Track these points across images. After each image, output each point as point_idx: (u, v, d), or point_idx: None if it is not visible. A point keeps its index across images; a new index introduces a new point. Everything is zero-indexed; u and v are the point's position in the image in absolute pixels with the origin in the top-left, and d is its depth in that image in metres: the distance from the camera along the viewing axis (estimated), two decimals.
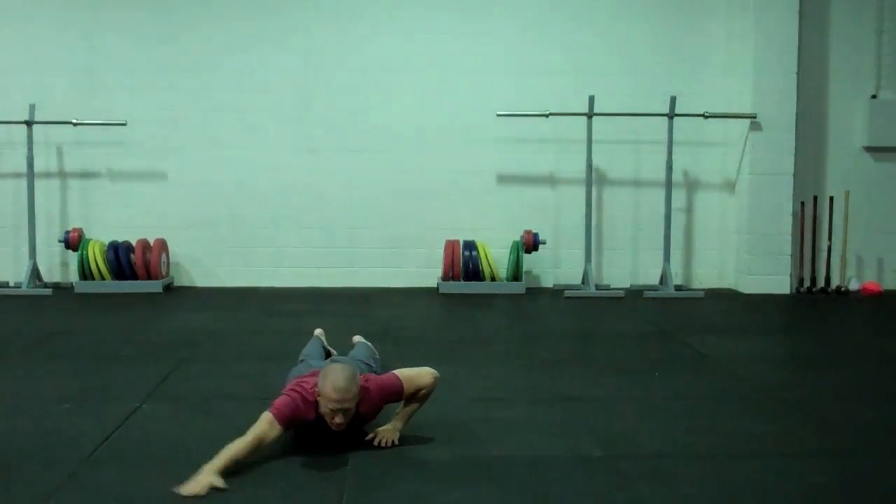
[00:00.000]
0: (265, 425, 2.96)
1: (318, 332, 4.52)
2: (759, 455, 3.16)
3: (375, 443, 3.15)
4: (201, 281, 7.57)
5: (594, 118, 7.17)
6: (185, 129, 7.47)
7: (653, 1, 7.55)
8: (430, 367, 3.29)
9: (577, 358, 4.89)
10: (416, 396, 3.22)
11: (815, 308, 6.93)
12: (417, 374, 3.22)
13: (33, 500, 2.68)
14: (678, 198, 7.54)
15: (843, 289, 7.51)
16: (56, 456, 3.08)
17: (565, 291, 7.20)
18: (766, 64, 7.26)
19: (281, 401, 3.03)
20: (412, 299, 6.94)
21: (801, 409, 3.81)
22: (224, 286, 7.47)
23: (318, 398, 2.97)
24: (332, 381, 2.92)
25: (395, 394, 3.18)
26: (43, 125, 7.24)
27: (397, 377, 3.18)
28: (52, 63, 7.37)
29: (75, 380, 4.21)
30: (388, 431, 3.20)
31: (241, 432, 3.36)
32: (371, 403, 3.12)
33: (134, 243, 7.20)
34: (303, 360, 3.80)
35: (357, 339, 4.42)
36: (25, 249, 7.19)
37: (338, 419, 2.93)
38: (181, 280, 7.57)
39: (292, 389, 3.07)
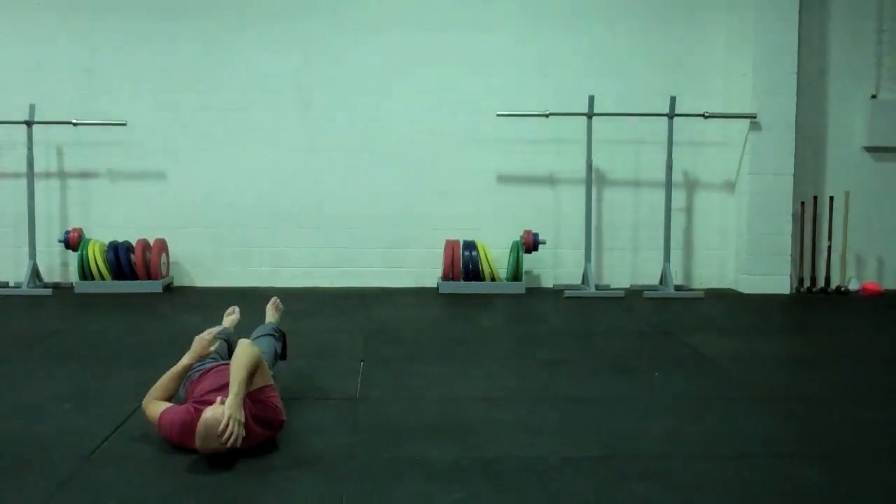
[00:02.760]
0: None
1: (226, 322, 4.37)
2: (759, 455, 3.17)
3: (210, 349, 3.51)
4: (201, 281, 7.57)
5: (594, 118, 7.17)
6: (185, 129, 7.47)
7: (653, 1, 7.55)
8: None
9: (577, 358, 4.89)
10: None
11: (815, 308, 6.93)
12: (158, 385, 3.41)
13: (34, 500, 2.68)
14: (678, 198, 7.54)
15: (843, 289, 7.51)
16: (56, 456, 3.08)
17: (565, 291, 7.20)
18: (766, 64, 7.26)
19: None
20: (412, 299, 6.94)
21: (800, 409, 3.82)
22: (224, 286, 7.46)
23: None
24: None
25: (175, 412, 3.15)
26: (43, 125, 7.24)
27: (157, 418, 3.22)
28: (52, 63, 7.37)
29: (75, 380, 4.21)
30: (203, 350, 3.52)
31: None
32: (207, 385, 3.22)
33: (134, 243, 7.20)
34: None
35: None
36: (25, 249, 7.18)
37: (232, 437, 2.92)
38: (181, 280, 7.57)
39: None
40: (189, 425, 3.00)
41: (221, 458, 2.98)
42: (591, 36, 7.52)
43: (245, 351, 3.11)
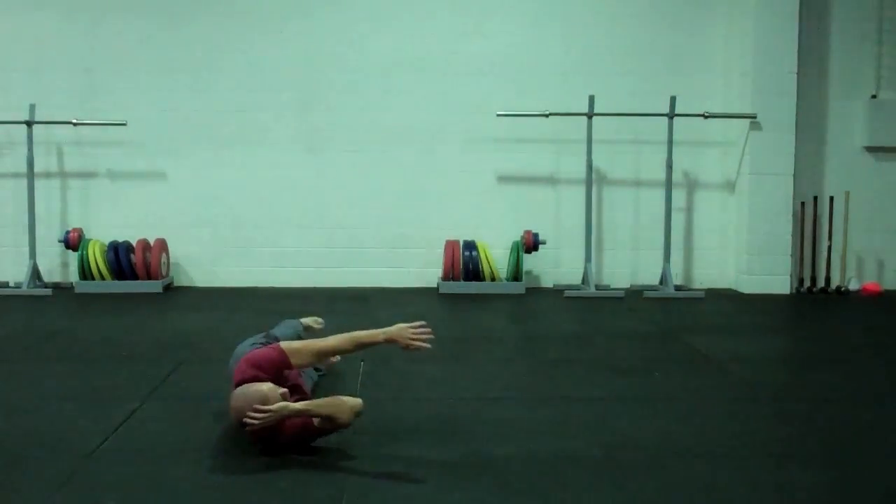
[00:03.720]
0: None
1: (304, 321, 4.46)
2: (758, 455, 3.16)
3: (412, 346, 3.12)
4: (201, 281, 7.57)
5: (594, 118, 7.17)
6: (185, 129, 7.48)
7: (653, 1, 7.55)
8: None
9: (577, 358, 4.89)
10: (346, 351, 3.24)
11: (815, 308, 6.93)
12: (303, 343, 3.23)
13: (34, 500, 2.68)
14: (678, 198, 7.54)
15: (843, 289, 7.51)
16: (56, 455, 3.08)
17: (565, 291, 7.20)
18: (766, 64, 7.26)
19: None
20: (412, 299, 6.94)
21: (800, 409, 3.81)
22: (224, 286, 7.47)
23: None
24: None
25: (278, 359, 3.10)
26: (43, 125, 7.24)
27: (276, 346, 3.16)
28: (52, 63, 7.37)
29: (75, 380, 4.21)
30: (402, 338, 3.14)
31: (240, 432, 3.36)
32: (268, 371, 3.07)
33: (134, 243, 7.21)
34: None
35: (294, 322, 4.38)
36: (25, 249, 7.18)
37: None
38: (181, 280, 7.57)
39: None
40: (251, 380, 3.02)
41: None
42: (591, 36, 7.52)
43: (351, 407, 3.04)
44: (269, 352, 3.15)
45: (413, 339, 3.13)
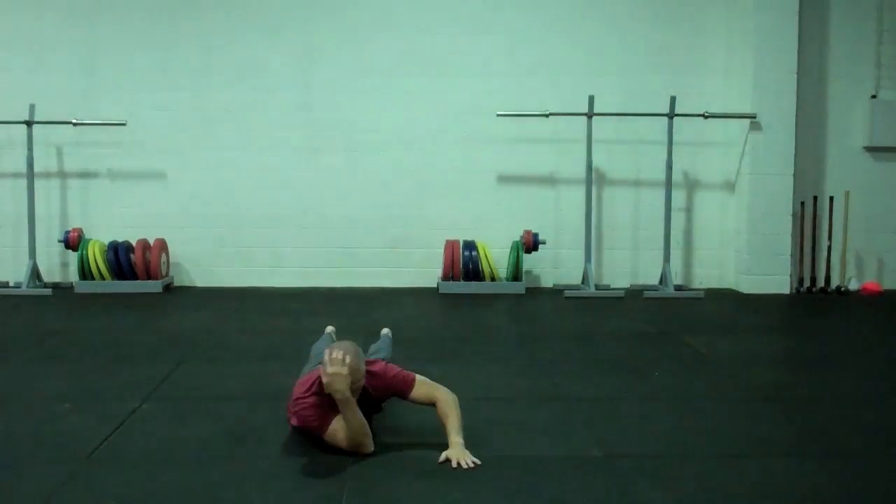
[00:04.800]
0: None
1: (329, 329, 4.52)
2: (758, 455, 3.17)
3: (454, 465, 2.98)
4: (201, 281, 7.57)
5: (594, 118, 7.17)
6: (185, 129, 7.48)
7: (653, 1, 7.55)
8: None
9: (577, 358, 4.89)
10: (438, 413, 3.14)
11: (815, 308, 6.93)
12: (434, 385, 3.22)
13: (33, 500, 2.68)
14: (678, 198, 7.54)
15: (843, 289, 7.51)
16: (56, 456, 3.08)
17: (565, 291, 7.20)
18: (766, 64, 7.26)
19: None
20: (412, 299, 6.94)
21: (801, 409, 3.81)
22: (224, 286, 7.47)
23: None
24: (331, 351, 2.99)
25: (403, 383, 3.20)
26: (43, 125, 7.24)
27: (412, 375, 3.24)
28: (52, 63, 7.37)
29: (75, 380, 4.21)
30: (456, 453, 3.02)
31: (240, 433, 3.37)
32: (382, 381, 3.19)
33: (134, 243, 7.20)
34: (311, 358, 3.82)
35: (384, 331, 4.50)
36: (25, 249, 7.19)
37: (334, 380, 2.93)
38: (181, 280, 7.57)
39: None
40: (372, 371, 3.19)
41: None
42: (591, 36, 7.52)
43: (361, 443, 3.06)
44: (406, 376, 3.22)
45: (462, 461, 2.99)
